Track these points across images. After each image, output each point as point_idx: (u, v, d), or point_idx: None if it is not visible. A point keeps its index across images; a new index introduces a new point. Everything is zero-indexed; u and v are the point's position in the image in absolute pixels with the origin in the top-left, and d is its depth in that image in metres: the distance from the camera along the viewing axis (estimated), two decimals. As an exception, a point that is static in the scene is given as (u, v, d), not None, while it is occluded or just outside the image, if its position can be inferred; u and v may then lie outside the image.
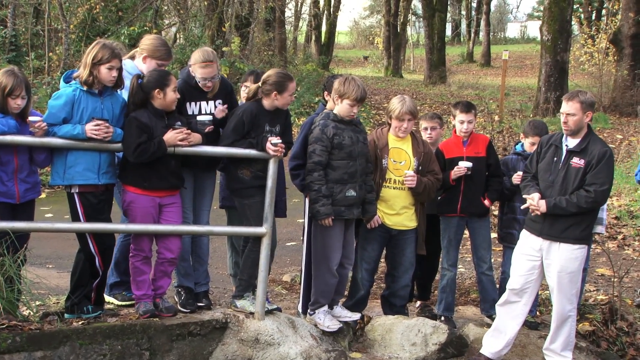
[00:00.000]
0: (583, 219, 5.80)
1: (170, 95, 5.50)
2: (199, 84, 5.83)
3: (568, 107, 5.80)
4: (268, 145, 5.59)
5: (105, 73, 5.37)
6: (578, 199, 5.68)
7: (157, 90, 5.47)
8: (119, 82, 5.52)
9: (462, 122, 6.62)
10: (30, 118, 5.25)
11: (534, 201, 5.82)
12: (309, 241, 6.11)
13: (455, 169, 6.48)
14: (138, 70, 5.86)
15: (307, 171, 5.88)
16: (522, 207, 6.07)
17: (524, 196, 6.02)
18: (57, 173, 5.42)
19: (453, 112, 6.79)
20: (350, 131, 5.96)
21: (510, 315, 6.05)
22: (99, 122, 5.28)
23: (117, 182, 5.68)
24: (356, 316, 6.22)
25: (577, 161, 5.78)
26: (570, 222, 5.77)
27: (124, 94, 5.68)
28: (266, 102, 5.81)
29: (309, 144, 5.90)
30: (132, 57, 6.11)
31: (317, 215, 5.83)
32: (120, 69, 5.48)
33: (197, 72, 5.79)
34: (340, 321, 6.08)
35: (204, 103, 5.90)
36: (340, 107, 5.93)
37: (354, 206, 5.95)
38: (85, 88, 5.36)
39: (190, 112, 5.85)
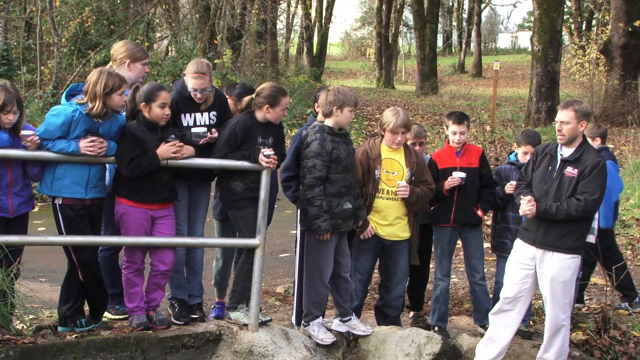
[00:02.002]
0: (577, 228, 5.82)
1: (155, 111, 5.49)
2: (191, 94, 5.84)
3: (563, 115, 5.84)
4: (260, 157, 5.61)
5: (118, 99, 5.39)
6: (568, 206, 5.70)
7: (144, 103, 5.49)
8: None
9: (454, 133, 6.64)
10: (23, 132, 5.25)
11: (527, 203, 5.81)
12: (302, 253, 6.11)
13: (449, 179, 6.50)
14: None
15: (306, 186, 5.83)
16: (518, 203, 6.01)
17: (517, 201, 6.02)
18: (45, 183, 5.42)
19: (446, 122, 6.80)
20: (343, 143, 5.98)
21: (503, 324, 6.06)
22: (94, 138, 5.29)
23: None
24: (369, 331, 6.22)
25: (570, 170, 5.81)
26: (564, 231, 5.79)
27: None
28: (259, 115, 5.83)
29: (306, 158, 5.85)
30: None
31: (318, 230, 5.80)
32: None
33: (189, 82, 5.81)
34: (337, 331, 6.10)
35: (198, 115, 5.90)
36: (341, 117, 5.91)
37: (349, 218, 5.97)
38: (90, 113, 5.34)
39: (185, 124, 5.85)
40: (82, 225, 5.46)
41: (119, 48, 6.08)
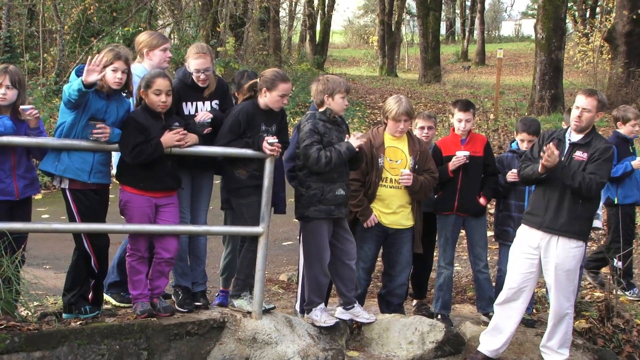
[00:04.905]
0: (584, 212, 5.81)
1: (151, 97, 5.48)
2: (194, 77, 5.82)
3: (586, 102, 5.79)
4: (264, 144, 5.60)
5: (109, 75, 5.35)
6: (583, 177, 5.65)
7: (143, 90, 5.50)
8: (127, 87, 5.51)
9: (460, 121, 6.64)
10: (22, 107, 5.23)
11: (553, 151, 5.61)
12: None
13: (454, 159, 6.50)
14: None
15: (314, 161, 5.71)
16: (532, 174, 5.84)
17: (527, 173, 5.88)
18: (49, 161, 5.40)
19: (452, 110, 6.81)
20: (335, 131, 5.97)
21: (508, 314, 6.05)
22: (99, 124, 5.28)
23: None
24: (373, 318, 6.23)
25: (580, 154, 5.78)
26: (573, 214, 5.76)
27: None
28: (260, 101, 5.82)
29: (301, 141, 5.84)
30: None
31: (350, 147, 5.77)
32: (127, 73, 5.45)
33: (191, 64, 5.80)
34: (339, 318, 6.11)
35: (200, 103, 5.90)
36: (334, 105, 5.90)
37: (342, 205, 5.95)
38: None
39: (186, 112, 5.85)
40: (99, 211, 5.51)
41: (137, 40, 6.15)
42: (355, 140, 5.83)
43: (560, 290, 5.88)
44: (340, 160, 5.79)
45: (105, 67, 5.31)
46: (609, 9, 26.10)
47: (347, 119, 6.66)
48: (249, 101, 5.86)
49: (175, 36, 25.44)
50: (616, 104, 21.62)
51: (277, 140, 5.64)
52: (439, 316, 6.61)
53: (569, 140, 5.88)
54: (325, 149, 5.77)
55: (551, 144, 5.73)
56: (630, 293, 7.64)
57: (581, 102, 5.82)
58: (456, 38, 61.85)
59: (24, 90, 5.42)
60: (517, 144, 6.88)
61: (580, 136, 5.85)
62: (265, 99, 5.79)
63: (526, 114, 20.10)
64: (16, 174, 5.36)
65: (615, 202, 7.66)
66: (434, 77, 34.08)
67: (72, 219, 5.49)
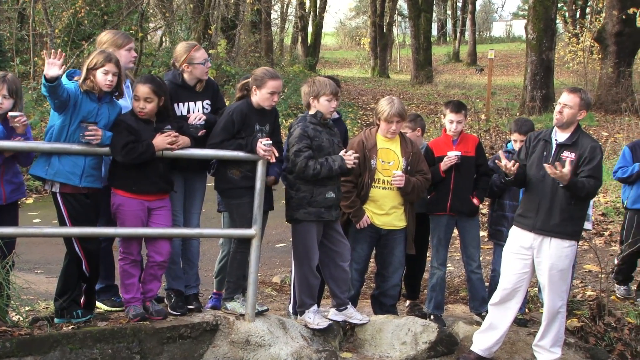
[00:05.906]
0: (575, 212, 5.83)
1: (133, 104, 5.53)
2: (203, 68, 5.86)
3: (568, 98, 5.84)
4: (259, 145, 5.58)
5: (100, 77, 5.34)
6: (585, 183, 5.68)
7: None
8: (117, 90, 5.49)
9: (452, 122, 6.65)
10: (10, 113, 5.19)
11: (564, 167, 5.60)
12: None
13: (445, 159, 6.51)
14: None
15: (301, 169, 5.75)
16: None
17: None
18: (40, 165, 5.37)
19: (444, 111, 6.83)
20: (326, 134, 5.97)
21: (502, 313, 6.06)
22: (91, 126, 5.26)
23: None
24: (366, 319, 6.22)
25: (567, 155, 5.79)
26: (565, 216, 5.78)
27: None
28: (253, 100, 5.81)
29: (290, 145, 5.84)
30: None
31: (343, 167, 5.79)
32: (118, 76, 5.43)
33: (195, 57, 5.83)
34: (332, 320, 6.11)
35: (192, 103, 5.90)
36: (319, 107, 5.92)
37: (332, 208, 5.96)
38: (83, 89, 5.34)
39: (178, 113, 5.84)
40: (91, 215, 5.47)
41: (100, 40, 5.98)
42: (349, 160, 5.83)
43: (553, 290, 5.90)
44: (330, 175, 5.82)
45: (95, 69, 5.32)
46: (598, 9, 26.18)
47: (339, 121, 6.64)
48: (242, 101, 5.86)
49: (167, 39, 25.41)
50: (606, 104, 21.77)
51: (271, 142, 5.62)
52: (432, 316, 6.62)
53: (556, 140, 5.90)
54: (317, 160, 5.77)
55: (567, 160, 5.68)
56: (617, 289, 7.68)
57: (563, 99, 5.88)
58: (448, 39, 61.91)
59: (20, 99, 5.40)
60: (512, 144, 6.90)
61: (566, 136, 5.86)
62: (256, 97, 5.79)
63: (517, 114, 20.17)
64: (4, 178, 5.35)
65: (624, 204, 7.73)
66: (425, 78, 34.11)
67: (62, 223, 5.46)
